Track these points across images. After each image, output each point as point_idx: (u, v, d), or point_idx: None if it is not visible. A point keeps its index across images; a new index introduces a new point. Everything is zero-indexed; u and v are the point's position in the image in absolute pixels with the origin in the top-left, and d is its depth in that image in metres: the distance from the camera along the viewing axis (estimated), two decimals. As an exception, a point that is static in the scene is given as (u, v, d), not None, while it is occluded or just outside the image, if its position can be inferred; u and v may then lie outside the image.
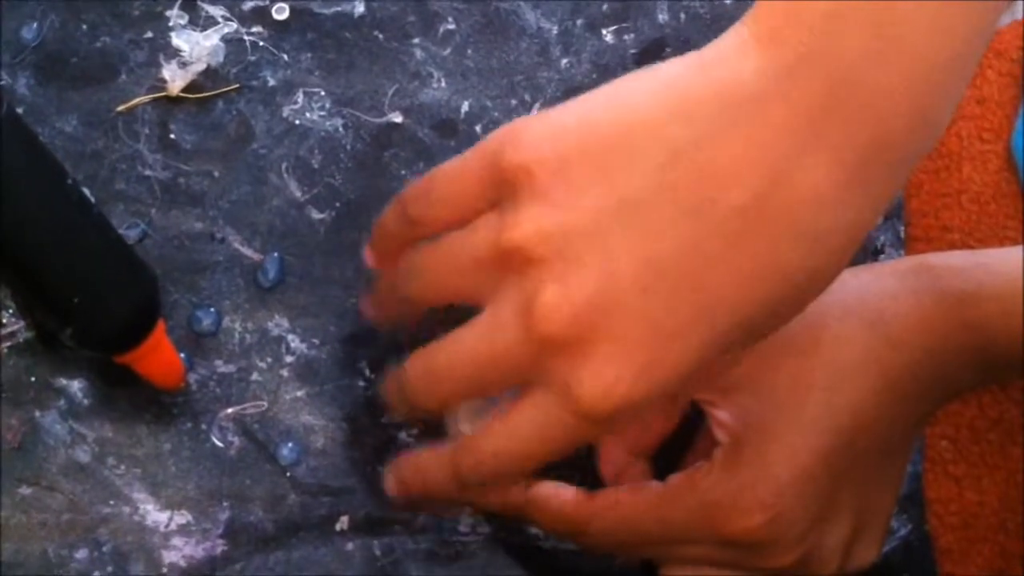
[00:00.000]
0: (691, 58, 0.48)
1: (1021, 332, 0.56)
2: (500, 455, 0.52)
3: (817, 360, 0.56)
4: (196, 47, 0.65)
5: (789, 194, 0.45)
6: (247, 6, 0.66)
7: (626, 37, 0.69)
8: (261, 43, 0.66)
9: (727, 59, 0.46)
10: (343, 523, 0.62)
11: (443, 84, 0.67)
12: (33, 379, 0.61)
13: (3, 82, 0.64)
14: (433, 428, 0.61)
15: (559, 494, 0.58)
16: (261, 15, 0.66)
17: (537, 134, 0.49)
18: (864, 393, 0.56)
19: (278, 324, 0.64)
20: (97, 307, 0.56)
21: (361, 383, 0.64)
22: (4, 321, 0.61)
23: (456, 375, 0.52)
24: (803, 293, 0.47)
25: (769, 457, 0.55)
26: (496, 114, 0.67)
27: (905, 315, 0.56)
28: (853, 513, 0.58)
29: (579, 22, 0.69)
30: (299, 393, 0.63)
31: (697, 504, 0.56)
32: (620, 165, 0.47)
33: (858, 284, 0.58)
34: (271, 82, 0.66)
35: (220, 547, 0.61)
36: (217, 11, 0.66)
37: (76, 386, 0.62)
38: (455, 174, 0.53)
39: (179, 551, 0.61)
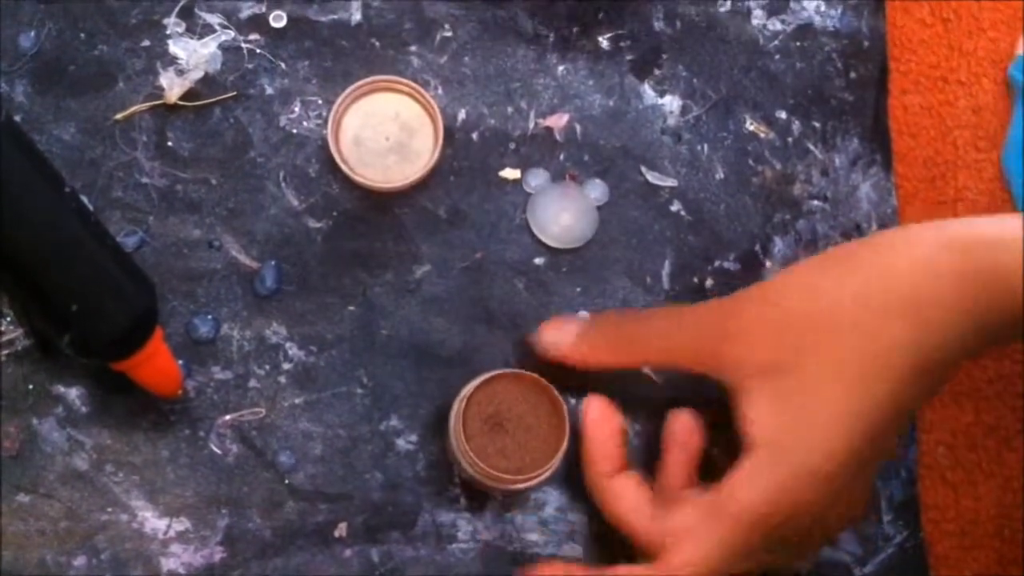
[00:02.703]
0: None
1: None
2: None
3: (858, 351, 0.56)
4: (193, 55, 0.65)
5: None
6: (244, 14, 0.66)
7: (622, 44, 0.69)
8: (258, 51, 0.66)
9: None
10: (341, 530, 0.62)
11: (440, 91, 0.67)
12: (31, 386, 0.61)
13: (1, 90, 0.64)
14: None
15: None
16: (258, 23, 0.66)
17: None
18: (907, 377, 0.56)
19: (276, 332, 0.64)
20: (95, 315, 0.56)
21: (359, 390, 0.64)
22: (2, 329, 0.61)
23: None
24: None
25: (814, 447, 0.56)
26: (493, 121, 0.67)
27: (945, 297, 0.56)
28: (872, 481, 0.60)
29: (575, 29, 0.69)
30: (297, 400, 0.63)
31: (757, 514, 0.56)
32: None
33: (896, 269, 0.57)
34: (268, 90, 0.66)
35: (219, 554, 0.61)
36: (214, 19, 0.66)
37: (74, 393, 0.62)
38: None
39: (178, 558, 0.61)
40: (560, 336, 0.62)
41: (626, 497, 0.60)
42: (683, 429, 0.62)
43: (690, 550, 0.57)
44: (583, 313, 0.65)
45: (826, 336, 0.56)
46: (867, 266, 0.58)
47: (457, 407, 0.60)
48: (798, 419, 0.56)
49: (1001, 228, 0.56)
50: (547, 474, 0.60)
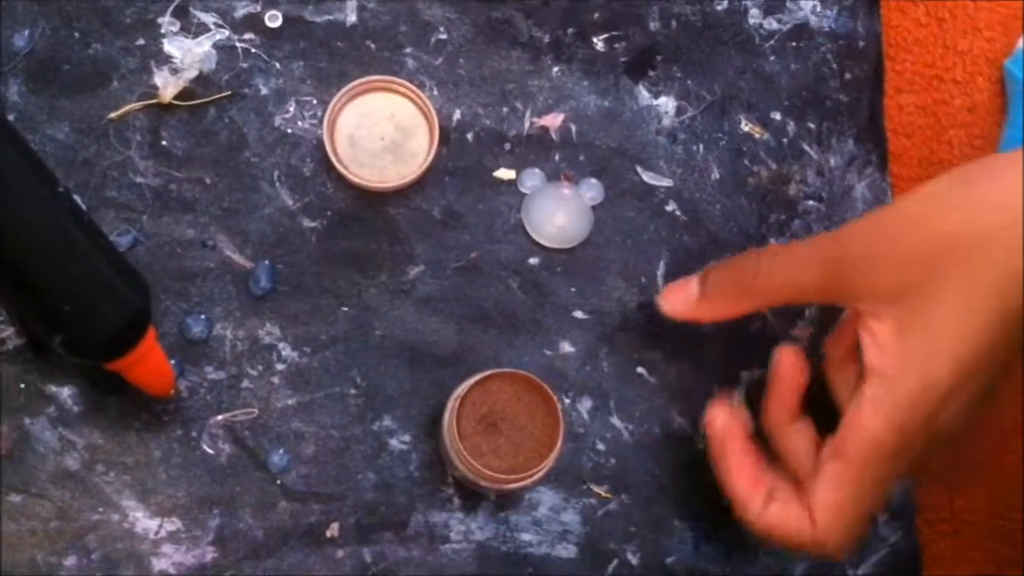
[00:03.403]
0: None
1: None
2: None
3: (996, 267, 0.54)
4: (188, 54, 0.65)
5: None
6: (239, 13, 0.66)
7: (617, 45, 0.69)
8: (253, 50, 0.66)
9: None
10: (334, 530, 0.62)
11: (435, 93, 0.67)
12: (23, 386, 0.61)
13: (-5, 89, 0.64)
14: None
15: (792, 520, 0.59)
16: (253, 23, 0.66)
17: None
18: None
19: (269, 332, 0.64)
20: (88, 314, 0.56)
21: (352, 391, 0.64)
22: (-6, 328, 0.61)
23: None
24: None
25: (928, 371, 0.55)
26: (488, 122, 0.67)
27: None
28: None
29: (570, 30, 0.69)
30: (290, 401, 0.63)
31: (887, 432, 0.56)
32: None
33: (1017, 187, 0.55)
34: (263, 90, 0.66)
35: (210, 554, 0.61)
36: (209, 18, 0.66)
37: (66, 393, 0.62)
38: None
39: (169, 558, 0.61)
40: (681, 301, 0.62)
41: (798, 448, 0.61)
42: (789, 365, 0.62)
43: (832, 496, 0.57)
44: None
45: (961, 255, 0.54)
46: (990, 185, 0.55)
47: (451, 407, 0.60)
48: (918, 342, 0.55)
49: None
50: (541, 473, 0.60)
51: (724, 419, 0.62)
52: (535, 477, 0.60)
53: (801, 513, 0.58)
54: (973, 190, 0.55)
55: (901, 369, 0.55)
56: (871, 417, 0.56)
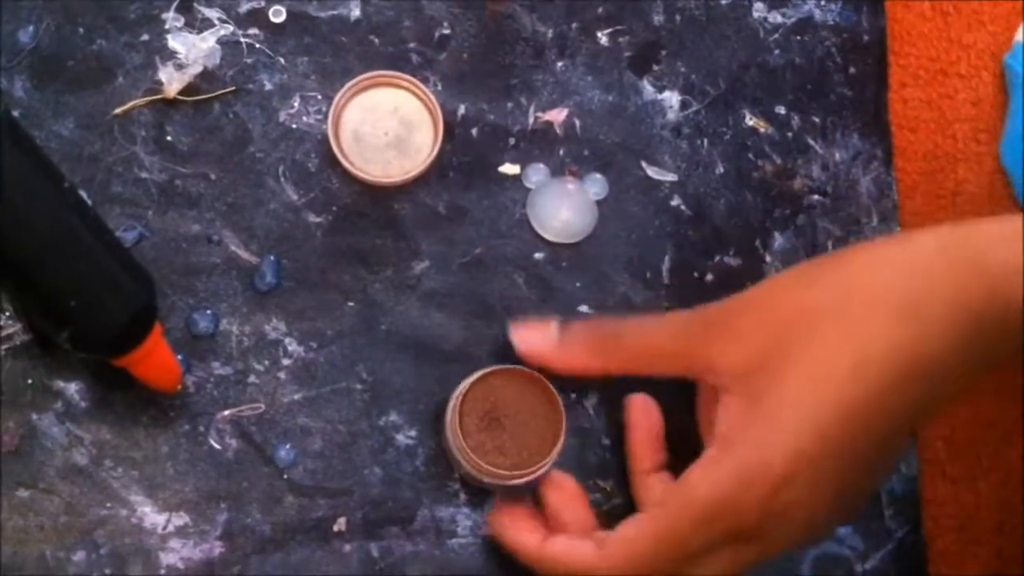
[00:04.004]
0: None
1: None
2: None
3: (836, 349, 0.53)
4: (192, 49, 0.65)
5: None
6: (243, 9, 0.66)
7: (621, 40, 0.69)
8: (257, 45, 0.66)
9: None
10: (341, 525, 0.62)
11: (439, 88, 0.67)
12: (30, 382, 0.61)
13: (0, 86, 0.64)
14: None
15: (575, 547, 0.58)
16: (257, 18, 0.66)
17: None
18: (889, 383, 0.53)
19: (275, 327, 0.64)
20: (94, 310, 0.56)
21: (358, 386, 0.64)
22: (1, 324, 0.61)
23: None
24: None
25: (772, 452, 0.54)
26: (492, 117, 0.67)
27: (941, 302, 0.53)
28: (856, 492, 0.57)
29: (574, 25, 0.69)
30: (296, 396, 0.63)
31: (700, 514, 0.55)
32: None
33: (892, 266, 0.55)
34: (268, 86, 0.66)
35: (218, 549, 0.61)
36: (213, 13, 0.66)
37: (73, 389, 0.62)
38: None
39: (177, 553, 0.61)
40: (538, 341, 0.61)
41: (650, 500, 0.61)
42: (639, 410, 0.62)
43: (632, 531, 0.56)
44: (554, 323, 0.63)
45: (805, 333, 0.54)
46: (857, 263, 0.55)
47: (453, 404, 0.60)
48: (760, 416, 0.54)
49: (1001, 229, 0.54)
50: (544, 470, 0.60)
51: (637, 410, 0.63)
52: (538, 473, 0.60)
53: (587, 543, 0.58)
54: (816, 275, 0.56)
55: (741, 441, 0.54)
56: (700, 477, 0.55)
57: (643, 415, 0.63)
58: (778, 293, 0.56)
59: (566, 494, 0.62)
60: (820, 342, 0.53)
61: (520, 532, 0.60)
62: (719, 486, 0.54)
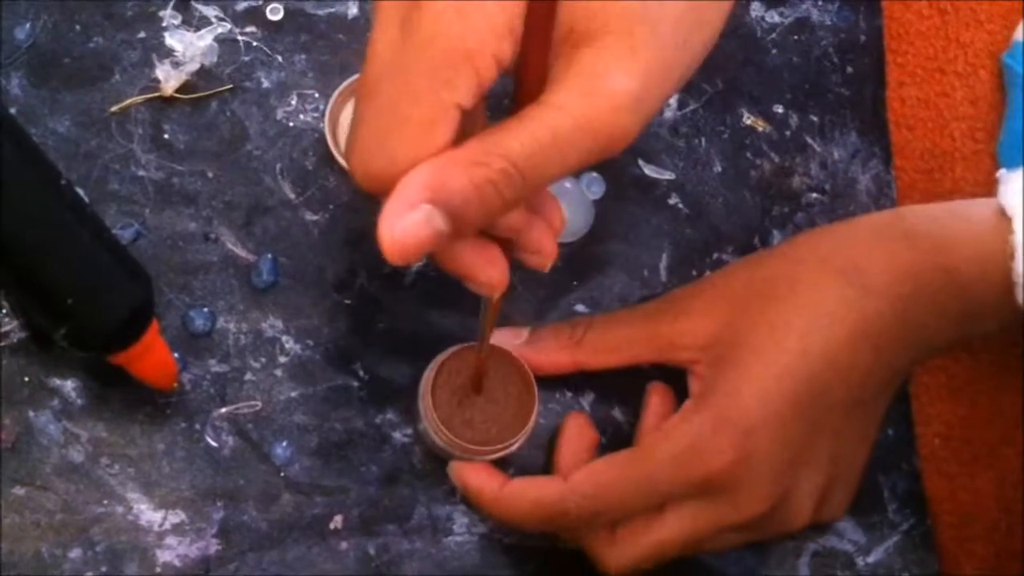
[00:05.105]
0: None
1: (995, 276, 0.57)
2: None
3: (792, 307, 0.57)
4: (189, 47, 0.65)
5: None
6: (241, 6, 0.66)
7: (620, 38, 0.69)
8: (255, 43, 0.66)
9: None
10: (337, 522, 0.62)
11: (437, 85, 0.67)
12: (27, 379, 0.61)
13: (-3, 82, 0.64)
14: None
15: (540, 481, 0.59)
16: (255, 16, 0.66)
17: None
18: (839, 341, 0.57)
19: (272, 325, 0.64)
20: (91, 307, 0.56)
21: (355, 383, 0.64)
22: (-3, 321, 0.61)
23: None
24: None
25: (741, 399, 0.56)
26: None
27: (879, 263, 0.58)
28: (827, 462, 0.59)
29: (573, 23, 0.69)
30: (293, 393, 0.63)
31: (670, 454, 0.57)
32: None
33: (834, 236, 0.60)
34: (265, 83, 0.66)
35: (214, 546, 0.61)
36: (210, 11, 0.66)
37: (70, 386, 0.62)
38: None
39: (173, 550, 0.61)
40: (504, 338, 0.62)
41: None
42: (574, 428, 0.62)
43: (601, 464, 0.58)
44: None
45: (762, 299, 0.58)
46: (802, 239, 0.61)
47: (427, 376, 0.60)
48: (731, 370, 0.57)
49: (925, 209, 0.60)
50: (514, 447, 0.60)
51: (573, 430, 0.63)
52: (508, 450, 0.60)
53: (553, 477, 0.59)
54: (774, 250, 0.63)
55: (714, 392, 0.57)
56: (675, 423, 0.58)
57: (579, 430, 0.63)
58: (734, 272, 0.61)
59: (584, 442, 0.62)
60: (776, 304, 0.58)
61: (480, 475, 0.60)
62: (693, 428, 0.57)
